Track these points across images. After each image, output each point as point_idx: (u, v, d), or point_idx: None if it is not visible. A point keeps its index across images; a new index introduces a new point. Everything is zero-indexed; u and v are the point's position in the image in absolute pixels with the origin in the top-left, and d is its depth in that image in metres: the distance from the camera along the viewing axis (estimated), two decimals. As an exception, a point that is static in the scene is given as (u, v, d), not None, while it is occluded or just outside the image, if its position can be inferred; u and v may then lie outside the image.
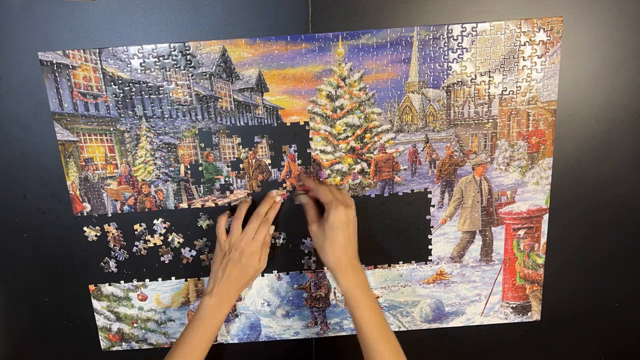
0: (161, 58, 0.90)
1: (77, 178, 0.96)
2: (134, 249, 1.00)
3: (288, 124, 0.94)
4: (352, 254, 0.91)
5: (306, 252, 1.02)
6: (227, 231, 0.95)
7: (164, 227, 0.99)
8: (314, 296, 1.05)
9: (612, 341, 1.11)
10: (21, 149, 0.94)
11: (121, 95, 0.92)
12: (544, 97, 0.95)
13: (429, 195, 1.00)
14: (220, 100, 0.93)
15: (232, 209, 0.98)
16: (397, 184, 0.99)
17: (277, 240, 1.01)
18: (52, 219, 0.98)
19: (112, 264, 1.01)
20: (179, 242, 1.01)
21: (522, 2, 0.90)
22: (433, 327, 1.08)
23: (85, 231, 0.99)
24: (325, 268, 1.03)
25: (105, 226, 0.99)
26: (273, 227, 0.97)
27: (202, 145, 0.95)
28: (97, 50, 0.89)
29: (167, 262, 1.02)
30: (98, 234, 0.99)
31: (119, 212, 0.98)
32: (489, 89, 0.94)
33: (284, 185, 0.98)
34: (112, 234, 0.99)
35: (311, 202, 0.96)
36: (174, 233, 1.00)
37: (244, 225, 0.94)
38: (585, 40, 0.92)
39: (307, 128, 0.95)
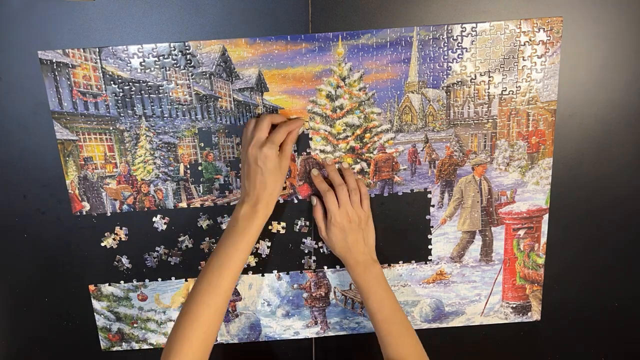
0: (161, 57, 0.90)
1: (77, 177, 0.96)
2: (155, 254, 1.01)
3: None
4: (368, 250, 0.96)
5: (306, 251, 1.02)
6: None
7: (164, 224, 0.99)
8: (314, 296, 1.05)
9: (612, 341, 1.11)
10: (21, 148, 0.94)
11: (121, 94, 0.92)
12: (543, 97, 0.95)
13: (429, 195, 1.00)
14: (220, 99, 0.93)
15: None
16: (396, 183, 0.99)
17: (278, 231, 1.01)
18: (52, 218, 0.98)
19: (124, 260, 1.01)
20: (186, 246, 1.01)
21: (522, 2, 0.90)
22: (433, 327, 1.08)
23: (102, 241, 1.00)
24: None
25: (117, 229, 0.99)
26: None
27: (202, 144, 0.95)
28: (97, 50, 0.89)
29: (173, 263, 1.02)
30: (117, 241, 1.00)
31: (118, 211, 0.98)
32: (488, 89, 0.94)
33: (284, 185, 0.98)
34: (121, 238, 1.00)
35: (319, 205, 0.97)
36: (182, 234, 1.01)
37: None
38: (585, 40, 0.92)
39: (304, 132, 0.96)
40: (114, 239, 0.99)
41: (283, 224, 1.00)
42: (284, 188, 0.98)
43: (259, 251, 1.02)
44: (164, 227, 0.99)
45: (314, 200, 0.97)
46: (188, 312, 0.84)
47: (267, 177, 0.88)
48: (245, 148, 0.89)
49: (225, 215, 0.99)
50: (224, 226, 1.00)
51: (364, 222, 0.95)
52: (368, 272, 0.94)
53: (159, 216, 0.99)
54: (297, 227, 1.01)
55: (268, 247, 1.01)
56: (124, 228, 0.99)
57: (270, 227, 1.00)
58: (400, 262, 1.03)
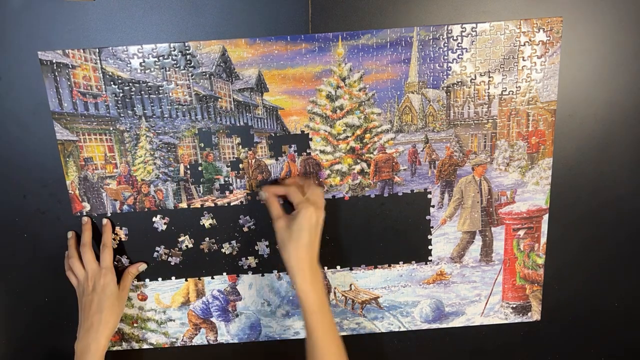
0: (161, 58, 0.90)
1: (77, 177, 0.96)
2: (155, 254, 1.02)
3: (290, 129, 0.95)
4: (314, 256, 0.89)
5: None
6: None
7: (164, 224, 0.99)
8: (313, 296, 1.05)
9: (612, 341, 1.11)
10: (21, 148, 0.94)
11: (121, 94, 0.92)
12: (543, 97, 0.95)
13: (429, 196, 1.00)
14: (220, 100, 0.93)
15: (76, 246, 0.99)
16: (396, 184, 0.99)
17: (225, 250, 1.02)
18: (52, 219, 0.98)
19: (124, 260, 1.01)
20: (186, 246, 1.01)
21: (522, 2, 0.90)
22: (433, 328, 1.08)
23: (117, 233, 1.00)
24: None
25: (117, 229, 1.00)
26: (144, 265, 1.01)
27: (202, 145, 0.95)
28: (97, 50, 0.89)
29: (173, 263, 1.02)
30: (117, 241, 1.01)
31: (119, 211, 0.98)
32: (488, 89, 0.94)
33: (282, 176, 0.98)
34: (121, 238, 1.00)
35: (273, 196, 0.94)
36: (182, 235, 1.01)
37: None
38: (585, 40, 0.92)
39: (305, 132, 0.96)
40: (114, 239, 0.99)
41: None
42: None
43: (259, 252, 1.02)
44: (164, 227, 0.99)
45: (264, 194, 0.95)
46: None
47: (104, 304, 0.93)
48: (79, 283, 0.96)
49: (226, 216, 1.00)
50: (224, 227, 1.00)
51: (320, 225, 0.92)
52: (316, 281, 0.89)
53: (158, 216, 0.99)
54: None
55: (267, 246, 1.01)
56: (124, 228, 0.99)
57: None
58: (400, 262, 1.03)
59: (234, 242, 1.01)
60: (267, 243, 1.01)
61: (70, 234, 0.98)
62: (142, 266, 1.01)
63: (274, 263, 1.03)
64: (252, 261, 1.03)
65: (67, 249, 0.99)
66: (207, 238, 1.01)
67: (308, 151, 0.96)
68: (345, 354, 0.89)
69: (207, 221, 1.00)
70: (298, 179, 0.96)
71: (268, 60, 0.91)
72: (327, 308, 0.89)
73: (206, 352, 1.09)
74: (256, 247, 1.02)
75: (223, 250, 1.01)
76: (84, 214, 0.98)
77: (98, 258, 0.96)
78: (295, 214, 0.89)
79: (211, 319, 1.06)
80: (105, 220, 0.98)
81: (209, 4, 0.89)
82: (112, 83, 0.91)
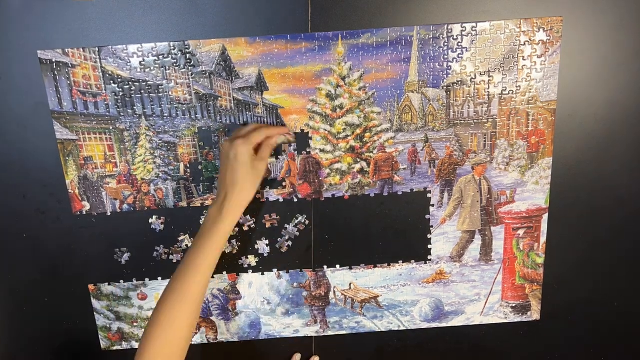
0: (161, 57, 0.90)
1: (77, 177, 0.96)
2: (155, 253, 1.01)
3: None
4: (229, 191, 0.86)
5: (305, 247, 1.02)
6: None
7: (161, 224, 0.99)
8: (313, 295, 1.05)
9: (612, 341, 1.11)
10: (20, 147, 0.94)
11: (121, 93, 0.92)
12: (543, 97, 0.95)
13: (429, 195, 1.00)
14: (220, 99, 0.93)
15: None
16: (396, 183, 0.99)
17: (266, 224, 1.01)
18: (52, 218, 0.98)
19: (125, 257, 1.01)
20: (186, 245, 1.01)
21: (522, 2, 0.90)
22: (433, 327, 1.08)
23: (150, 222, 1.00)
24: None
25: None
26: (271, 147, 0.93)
27: (202, 144, 0.95)
28: (97, 49, 0.89)
29: (175, 261, 1.02)
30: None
31: (119, 210, 0.98)
32: (488, 88, 0.94)
33: (284, 184, 0.98)
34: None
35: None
36: (182, 234, 1.01)
37: None
38: (585, 40, 0.92)
39: (305, 131, 0.96)
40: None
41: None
42: (284, 187, 0.98)
43: (259, 251, 1.02)
44: (162, 227, 0.99)
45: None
46: (156, 322, 0.81)
47: (237, 174, 0.86)
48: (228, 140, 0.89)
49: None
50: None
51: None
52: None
53: (154, 217, 0.99)
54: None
55: (267, 245, 1.02)
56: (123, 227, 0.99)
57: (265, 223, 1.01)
58: (400, 261, 1.03)
59: (233, 241, 1.01)
60: (267, 242, 1.01)
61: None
62: (281, 138, 0.94)
63: (273, 262, 1.03)
64: (252, 260, 1.03)
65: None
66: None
67: (308, 150, 0.96)
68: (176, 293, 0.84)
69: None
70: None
71: (268, 59, 0.91)
72: (200, 243, 0.85)
73: (206, 351, 1.09)
74: (256, 246, 1.02)
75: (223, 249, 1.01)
76: (84, 213, 0.98)
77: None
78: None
79: (211, 318, 1.06)
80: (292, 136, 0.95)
81: (208, 3, 0.89)
82: (111, 82, 0.91)
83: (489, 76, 0.93)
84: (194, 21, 0.89)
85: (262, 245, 1.02)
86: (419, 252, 1.03)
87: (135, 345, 1.07)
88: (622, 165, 0.99)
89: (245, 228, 1.00)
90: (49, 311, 1.05)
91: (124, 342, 1.07)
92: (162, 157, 0.96)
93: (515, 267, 1.05)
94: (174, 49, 0.90)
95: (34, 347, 1.07)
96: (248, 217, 0.99)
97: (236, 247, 1.02)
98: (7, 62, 0.90)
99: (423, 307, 1.07)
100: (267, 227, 1.00)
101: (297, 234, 1.01)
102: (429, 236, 1.02)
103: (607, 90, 0.95)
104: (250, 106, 0.94)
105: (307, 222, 1.00)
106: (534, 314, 1.08)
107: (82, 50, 0.89)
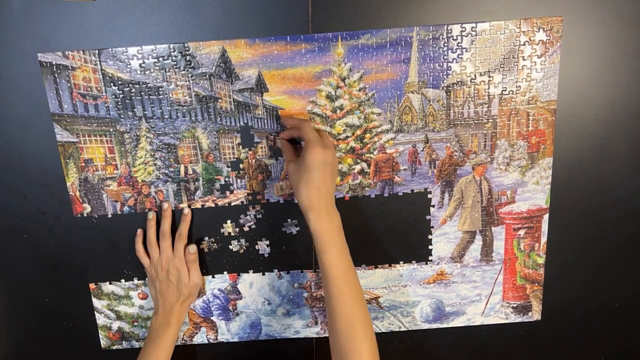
0: (161, 59, 0.90)
1: (77, 179, 0.96)
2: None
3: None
4: (327, 196, 0.87)
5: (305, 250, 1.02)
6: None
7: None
8: (314, 296, 1.05)
9: (613, 341, 1.11)
10: (21, 150, 0.94)
11: (121, 96, 0.92)
12: (543, 97, 0.94)
13: (429, 196, 1.00)
14: (220, 100, 0.93)
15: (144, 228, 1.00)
16: (397, 184, 0.99)
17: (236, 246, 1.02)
18: (52, 219, 0.98)
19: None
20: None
21: (522, 2, 0.90)
22: (433, 327, 1.08)
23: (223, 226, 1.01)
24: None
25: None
26: (194, 246, 0.99)
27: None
28: (97, 51, 0.89)
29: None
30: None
31: (119, 212, 0.98)
32: (488, 88, 0.94)
33: (282, 185, 0.98)
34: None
35: (287, 142, 0.94)
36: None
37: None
38: (585, 40, 0.92)
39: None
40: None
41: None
42: (282, 189, 0.98)
43: (260, 251, 1.02)
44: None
45: (279, 142, 0.95)
46: None
47: (180, 292, 0.98)
48: (152, 264, 0.99)
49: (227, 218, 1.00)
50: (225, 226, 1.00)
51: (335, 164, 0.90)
52: (331, 221, 0.87)
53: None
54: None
55: (267, 245, 1.02)
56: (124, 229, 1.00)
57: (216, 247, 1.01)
58: (401, 262, 1.03)
59: (234, 241, 1.01)
60: (267, 242, 1.01)
61: (151, 215, 0.98)
62: (192, 247, 0.99)
63: (274, 262, 1.03)
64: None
65: (137, 231, 1.00)
66: (207, 237, 1.01)
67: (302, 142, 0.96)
68: (361, 290, 0.87)
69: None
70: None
71: (268, 60, 0.91)
72: (343, 249, 0.87)
73: (206, 351, 1.09)
74: (257, 247, 1.02)
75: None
76: (85, 215, 0.98)
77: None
78: (303, 155, 0.87)
79: (212, 318, 1.07)
80: (187, 210, 0.98)
81: (208, 5, 0.89)
82: (112, 84, 0.91)
83: (489, 76, 0.93)
84: (194, 23, 0.89)
85: (263, 246, 1.02)
86: (420, 252, 1.03)
87: (136, 344, 1.08)
88: (622, 165, 0.99)
89: (246, 229, 1.00)
90: (49, 311, 1.05)
91: (124, 342, 1.08)
92: (162, 159, 0.96)
93: (516, 268, 1.05)
94: (173, 51, 0.90)
95: (34, 347, 1.08)
96: (249, 217, 0.99)
97: (244, 246, 1.02)
98: (7, 64, 0.90)
99: (424, 308, 1.07)
100: (268, 227, 1.00)
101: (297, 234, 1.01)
102: (429, 237, 1.02)
103: (607, 90, 0.95)
104: (250, 107, 0.94)
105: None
106: (535, 314, 1.08)
107: (82, 52, 0.89)
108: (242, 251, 1.02)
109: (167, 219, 0.98)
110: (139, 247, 0.99)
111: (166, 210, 0.98)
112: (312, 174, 0.85)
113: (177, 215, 0.99)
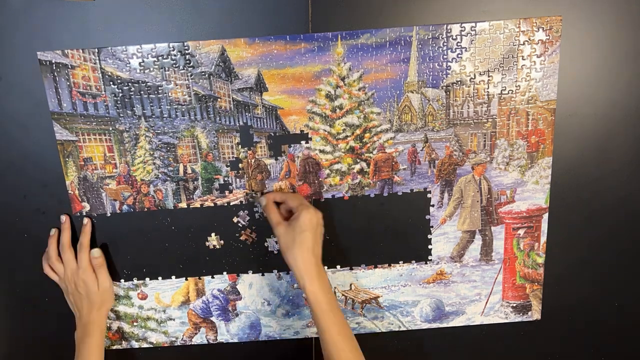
0: (160, 58, 0.90)
1: (76, 178, 0.96)
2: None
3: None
4: (318, 257, 0.90)
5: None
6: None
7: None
8: (313, 296, 1.05)
9: (612, 341, 1.11)
10: (20, 148, 0.94)
11: (120, 94, 0.92)
12: (543, 97, 0.94)
13: (429, 195, 1.00)
14: (219, 100, 0.93)
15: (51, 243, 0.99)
16: (396, 183, 0.99)
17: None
18: (52, 219, 0.98)
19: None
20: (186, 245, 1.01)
21: (521, 1, 0.90)
22: (433, 327, 1.08)
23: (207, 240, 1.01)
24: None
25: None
26: (98, 250, 0.98)
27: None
28: (96, 50, 0.89)
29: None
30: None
31: (118, 211, 0.98)
32: (488, 88, 0.94)
33: (281, 185, 0.98)
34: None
35: (271, 203, 0.95)
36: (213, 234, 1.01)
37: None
38: (585, 39, 0.92)
39: (305, 132, 0.96)
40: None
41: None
42: (282, 188, 0.98)
43: (269, 248, 1.02)
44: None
45: (264, 200, 0.96)
46: None
47: (92, 301, 0.98)
48: (60, 279, 0.98)
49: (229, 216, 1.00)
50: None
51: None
52: (323, 282, 0.89)
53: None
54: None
55: (267, 245, 1.02)
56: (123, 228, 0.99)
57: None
58: (400, 262, 1.03)
59: (234, 240, 1.01)
60: (267, 243, 1.01)
61: (53, 231, 0.99)
62: (96, 251, 0.98)
63: (274, 263, 1.03)
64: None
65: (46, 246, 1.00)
66: (209, 236, 1.01)
67: (306, 145, 0.96)
68: (359, 349, 0.90)
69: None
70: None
71: (267, 59, 0.91)
72: (336, 306, 0.90)
73: (206, 352, 1.09)
74: (265, 244, 1.02)
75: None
76: (84, 214, 0.98)
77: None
78: (295, 217, 0.89)
79: (211, 319, 1.07)
80: (86, 220, 0.98)
81: (208, 4, 0.89)
82: (111, 83, 0.91)
83: (489, 76, 0.93)
84: (193, 22, 0.89)
85: (272, 243, 1.01)
86: (419, 252, 1.03)
87: (135, 344, 1.08)
88: (622, 165, 0.99)
89: (245, 226, 1.00)
90: (49, 311, 1.05)
91: (124, 342, 1.07)
92: (161, 158, 0.96)
93: (515, 267, 1.04)
94: (173, 50, 0.90)
95: (34, 347, 1.07)
96: (248, 217, 1.00)
97: (252, 236, 1.02)
98: (6, 63, 0.90)
99: (424, 308, 1.07)
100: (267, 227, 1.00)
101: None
102: (429, 236, 1.02)
103: (607, 90, 0.95)
104: (249, 107, 0.94)
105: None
106: (535, 314, 1.08)
107: (81, 51, 0.89)
108: (243, 249, 1.02)
109: (66, 232, 0.97)
110: (45, 265, 0.98)
111: (64, 223, 0.98)
112: (306, 235, 0.88)
113: (176, 214, 0.99)
